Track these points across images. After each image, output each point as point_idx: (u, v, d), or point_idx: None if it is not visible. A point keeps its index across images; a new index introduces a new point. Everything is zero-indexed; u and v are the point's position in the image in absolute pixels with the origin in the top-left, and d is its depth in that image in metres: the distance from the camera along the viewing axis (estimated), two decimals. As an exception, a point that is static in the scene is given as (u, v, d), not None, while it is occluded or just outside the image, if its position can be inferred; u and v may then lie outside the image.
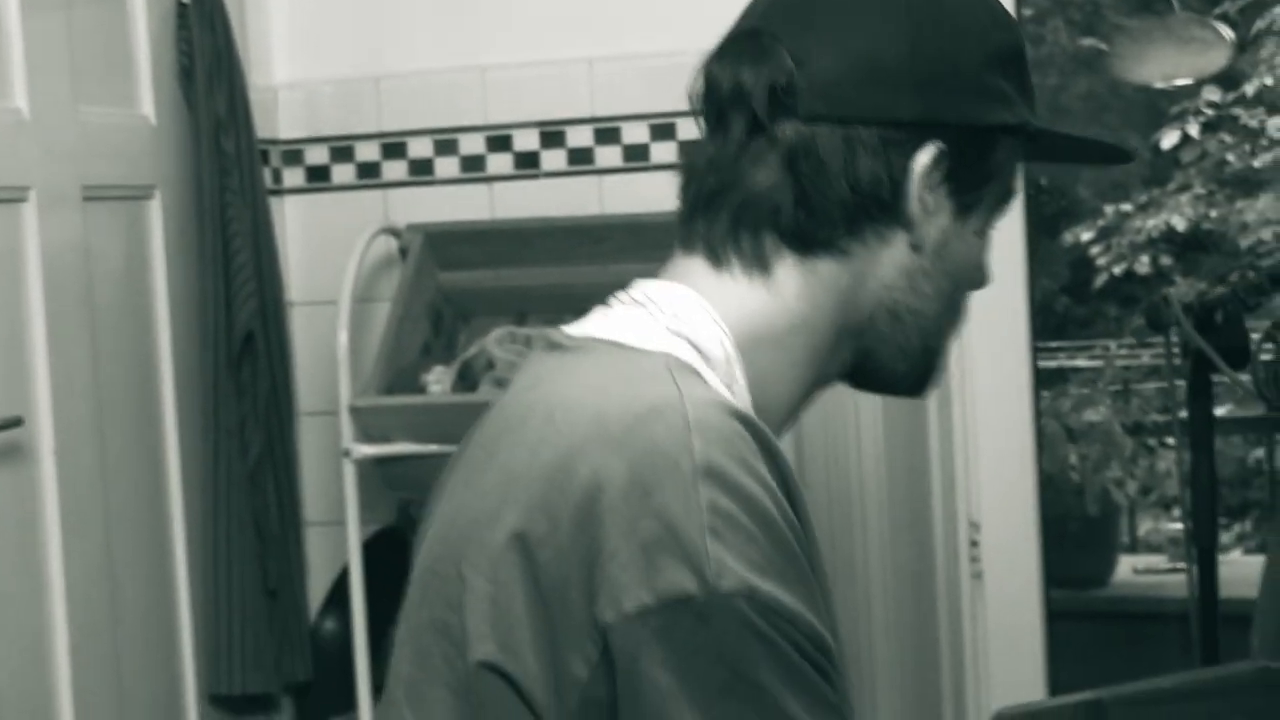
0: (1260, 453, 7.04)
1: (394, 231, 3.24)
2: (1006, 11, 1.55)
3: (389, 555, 3.09)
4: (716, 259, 1.49)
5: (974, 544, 3.16)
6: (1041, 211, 8.19)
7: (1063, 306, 8.72)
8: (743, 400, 1.47)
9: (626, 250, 3.03)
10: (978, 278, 1.57)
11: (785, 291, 1.48)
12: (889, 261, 1.49)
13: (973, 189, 1.50)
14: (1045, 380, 6.75)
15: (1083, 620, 4.02)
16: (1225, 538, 6.70)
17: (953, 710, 3.15)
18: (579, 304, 3.30)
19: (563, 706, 1.34)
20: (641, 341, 1.45)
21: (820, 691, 1.34)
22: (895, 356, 1.53)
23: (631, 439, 1.34)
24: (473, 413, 2.89)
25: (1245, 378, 2.02)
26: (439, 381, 3.04)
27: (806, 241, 1.47)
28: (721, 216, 1.49)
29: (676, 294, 1.49)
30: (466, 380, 2.97)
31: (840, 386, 1.59)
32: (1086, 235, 8.31)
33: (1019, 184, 1.57)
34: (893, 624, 3.15)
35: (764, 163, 1.47)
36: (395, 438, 3.00)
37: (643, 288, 1.51)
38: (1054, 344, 7.67)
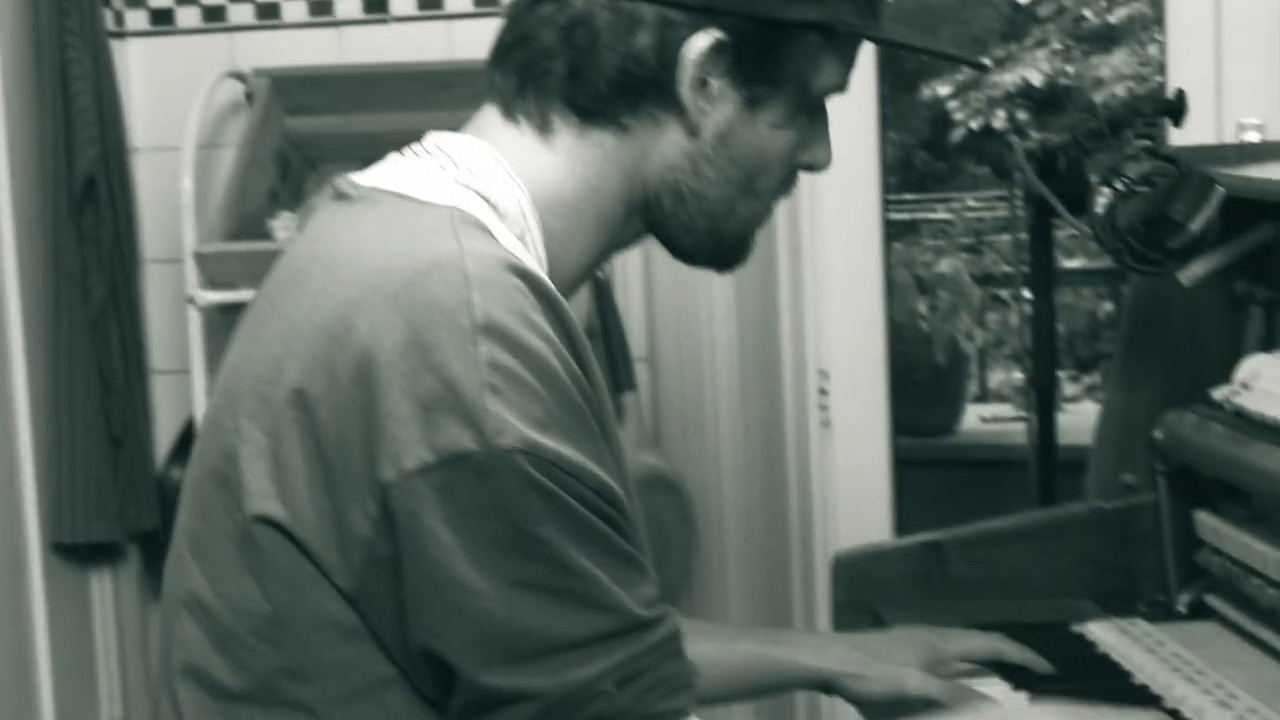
0: (1110, 306, 7.15)
1: (240, 76, 3.18)
2: None
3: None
4: (509, 113, 1.50)
5: (823, 392, 3.18)
6: (900, 67, 8.20)
7: (922, 161, 8.76)
8: (537, 255, 1.47)
9: (476, 96, 2.99)
10: (813, 161, 1.56)
11: (570, 157, 1.48)
12: (669, 143, 1.49)
13: (762, 82, 1.48)
14: (899, 232, 6.79)
15: (930, 467, 4.08)
16: (1075, 389, 6.81)
17: (800, 555, 3.19)
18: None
19: (347, 562, 1.34)
20: (428, 194, 1.43)
21: (609, 541, 1.34)
22: (680, 234, 1.54)
23: (410, 295, 1.33)
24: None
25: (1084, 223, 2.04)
26: (286, 228, 3.00)
27: (583, 111, 1.47)
28: (511, 71, 1.49)
29: (472, 147, 1.48)
30: (313, 227, 2.94)
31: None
32: (944, 90, 8.34)
33: (842, 78, 1.54)
34: (742, 471, 3.17)
35: (549, 25, 1.47)
36: (241, 285, 2.96)
37: (436, 139, 1.51)
38: (909, 196, 7.72)
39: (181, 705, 1.44)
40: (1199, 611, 2.12)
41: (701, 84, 1.46)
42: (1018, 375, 4.85)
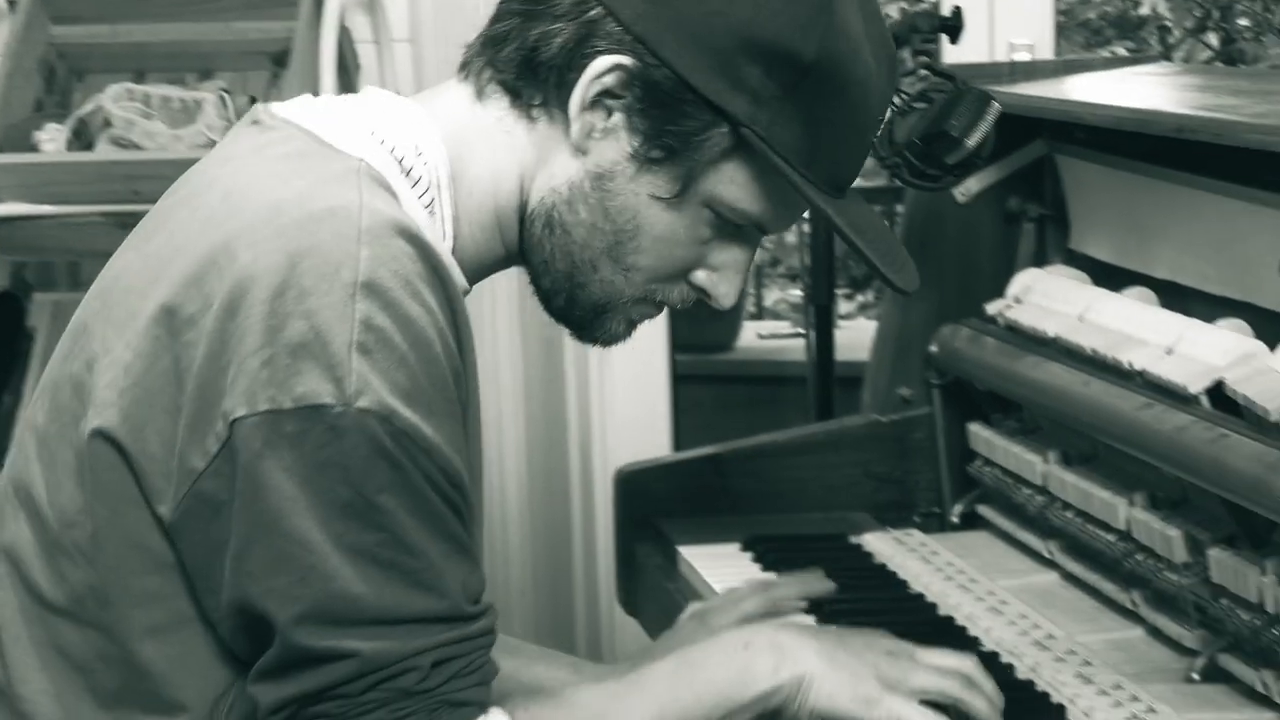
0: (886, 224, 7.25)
1: (2, -18, 3.08)
2: (823, 24, 1.40)
3: (1, 318, 2.99)
4: (465, 73, 1.49)
5: (602, 309, 3.18)
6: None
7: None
8: (443, 228, 1.44)
9: (250, 7, 2.96)
10: (708, 286, 1.49)
11: (488, 134, 1.46)
12: (560, 159, 1.45)
13: (657, 143, 1.41)
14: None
15: (708, 383, 4.10)
16: (849, 306, 6.89)
17: (580, 470, 3.20)
18: (199, 61, 3.18)
19: (174, 494, 1.31)
20: (341, 140, 1.41)
21: (446, 525, 1.32)
22: (541, 269, 1.48)
23: (299, 236, 1.30)
24: (88, 172, 2.79)
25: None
26: (52, 140, 2.91)
27: (502, 81, 1.45)
28: (489, 29, 1.48)
29: (404, 106, 1.46)
30: (82, 139, 2.86)
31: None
32: None
33: (750, 204, 1.45)
34: (521, 388, 3.17)
35: None
36: (6, 198, 2.87)
37: (374, 90, 1.49)
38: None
39: None
40: (971, 521, 2.17)
41: (603, 108, 1.42)
42: (794, 293, 4.90)
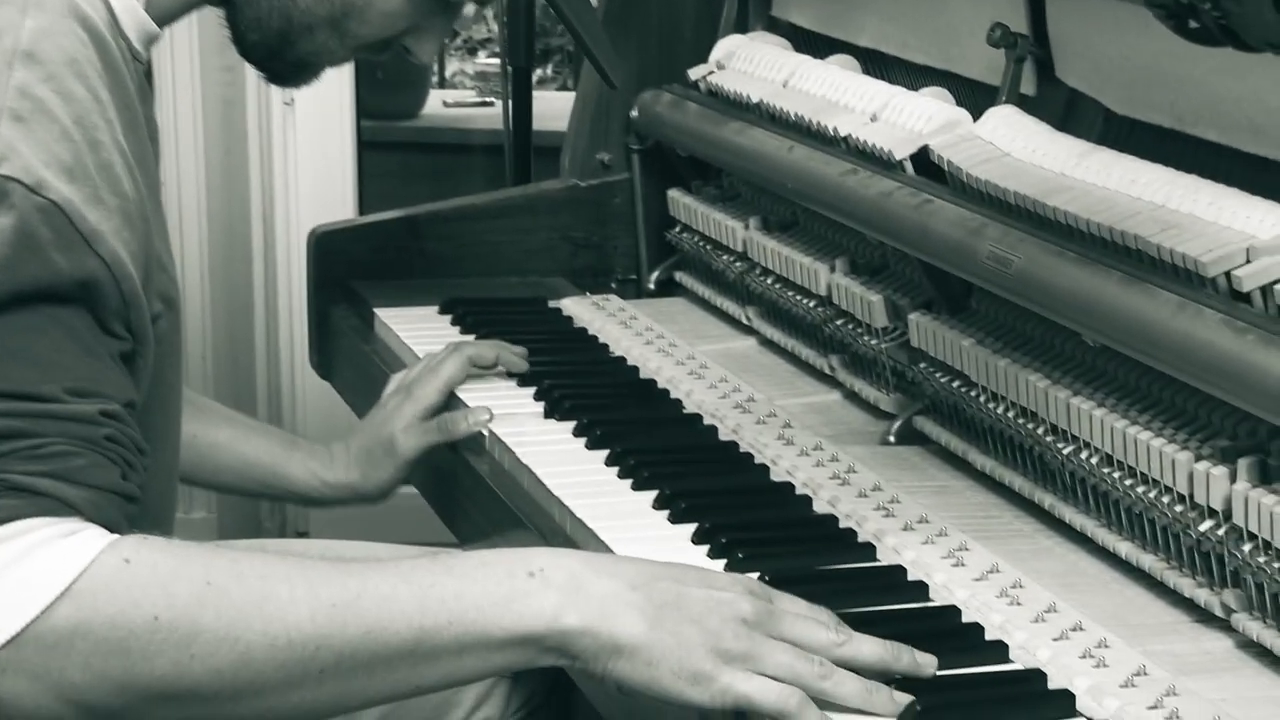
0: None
1: None
2: None
3: None
4: None
5: (287, 71, 3.10)
6: None
7: None
8: None
9: None
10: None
11: None
12: None
13: None
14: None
15: (394, 150, 4.04)
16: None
17: (263, 233, 3.14)
18: None
19: None
20: None
21: (66, 322, 1.18)
22: (250, 26, 1.43)
23: None
24: None
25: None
26: None
27: None
28: None
29: None
30: None
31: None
32: None
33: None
34: (201, 151, 3.10)
35: None
36: None
37: None
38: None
39: None
40: (668, 288, 2.18)
41: None
42: (476, 63, 4.84)
